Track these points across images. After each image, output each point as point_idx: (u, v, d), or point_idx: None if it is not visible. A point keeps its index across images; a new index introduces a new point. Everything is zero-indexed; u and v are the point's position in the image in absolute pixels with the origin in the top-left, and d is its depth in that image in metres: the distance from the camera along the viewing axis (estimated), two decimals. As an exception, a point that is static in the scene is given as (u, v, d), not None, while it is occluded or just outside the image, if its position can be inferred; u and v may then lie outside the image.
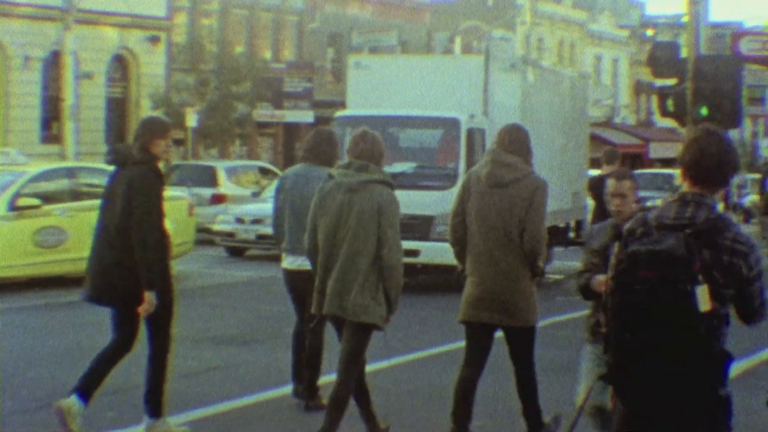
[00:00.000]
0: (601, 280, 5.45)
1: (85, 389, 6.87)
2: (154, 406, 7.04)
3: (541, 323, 12.15)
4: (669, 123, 27.44)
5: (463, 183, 6.98)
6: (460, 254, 6.93)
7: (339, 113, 16.67)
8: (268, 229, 16.41)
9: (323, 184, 6.69)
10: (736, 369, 9.52)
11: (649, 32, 55.32)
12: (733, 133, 42.55)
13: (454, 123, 15.32)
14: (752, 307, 3.97)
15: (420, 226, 14.76)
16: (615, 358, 3.90)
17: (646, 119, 55.48)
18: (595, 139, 49.85)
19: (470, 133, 15.33)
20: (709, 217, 3.90)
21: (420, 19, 45.50)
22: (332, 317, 6.56)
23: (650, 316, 3.78)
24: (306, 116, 32.12)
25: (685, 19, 21.51)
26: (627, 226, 4.10)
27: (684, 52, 20.70)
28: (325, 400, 7.01)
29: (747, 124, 55.87)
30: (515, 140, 6.85)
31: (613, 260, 3.99)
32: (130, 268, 6.76)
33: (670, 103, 20.34)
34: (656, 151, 51.34)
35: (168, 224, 7.07)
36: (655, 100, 24.78)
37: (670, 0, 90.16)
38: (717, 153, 3.98)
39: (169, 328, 7.02)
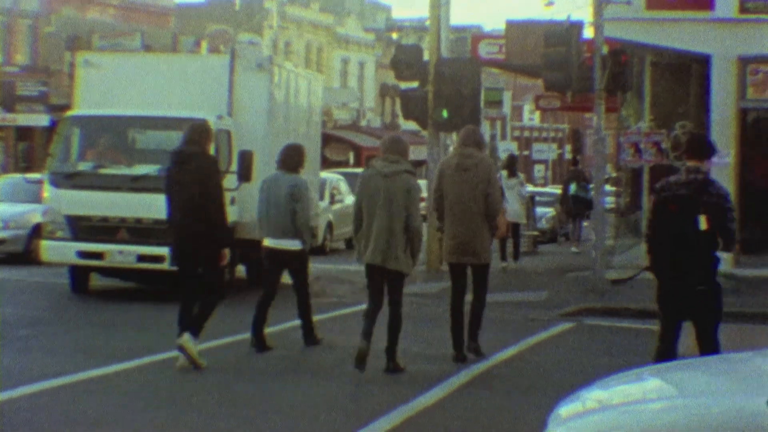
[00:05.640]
0: None
1: (196, 328, 9.39)
2: (198, 328, 9.40)
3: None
4: (413, 125, 27.85)
5: (439, 169, 10.72)
6: (440, 218, 10.48)
7: (69, 113, 15.52)
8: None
9: (365, 170, 9.82)
10: (476, 371, 9.75)
11: (395, 35, 56.31)
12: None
13: (202, 124, 14.69)
14: (731, 236, 7.83)
15: (165, 231, 13.96)
16: (656, 254, 7.98)
17: (392, 122, 56.55)
18: (341, 141, 50.35)
19: (217, 134, 14.73)
20: (704, 177, 7.89)
21: (165, 23, 44.44)
22: (374, 266, 9.49)
23: (676, 230, 7.80)
24: (41, 120, 30.75)
25: (429, 22, 21.88)
26: (658, 185, 8.14)
27: (427, 55, 21.02)
28: (321, 335, 11.10)
29: (486, 126, 57.99)
30: (470, 139, 10.48)
31: (651, 203, 8.14)
32: (208, 235, 9.39)
33: (412, 106, 20.62)
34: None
35: None
36: (399, 103, 25.08)
37: (417, 3, 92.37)
38: (703, 140, 8.32)
39: (223, 277, 9.91)
